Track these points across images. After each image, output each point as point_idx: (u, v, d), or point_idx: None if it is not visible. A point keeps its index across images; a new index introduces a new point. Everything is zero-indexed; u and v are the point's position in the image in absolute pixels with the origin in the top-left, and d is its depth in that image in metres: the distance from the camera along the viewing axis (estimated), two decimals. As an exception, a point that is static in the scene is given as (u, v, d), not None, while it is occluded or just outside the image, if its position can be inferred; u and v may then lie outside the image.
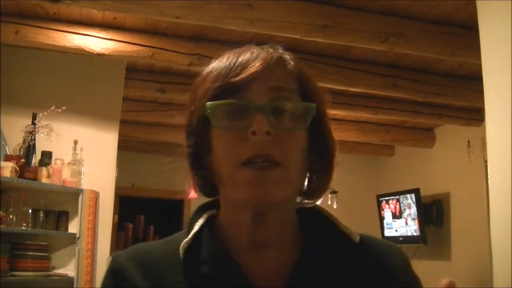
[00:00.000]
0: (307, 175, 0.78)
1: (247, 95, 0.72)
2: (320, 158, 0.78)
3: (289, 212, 0.78)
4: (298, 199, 0.79)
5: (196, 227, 0.77)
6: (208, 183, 0.78)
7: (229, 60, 0.75)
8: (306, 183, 0.78)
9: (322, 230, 0.79)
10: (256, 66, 0.73)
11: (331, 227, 0.79)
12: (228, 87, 0.73)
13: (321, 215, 0.81)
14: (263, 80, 0.73)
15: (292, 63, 0.78)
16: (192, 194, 0.81)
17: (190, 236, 0.76)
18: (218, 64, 0.76)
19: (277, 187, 0.71)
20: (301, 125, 0.74)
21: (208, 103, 0.73)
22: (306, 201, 0.80)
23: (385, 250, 0.81)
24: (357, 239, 0.78)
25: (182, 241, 0.76)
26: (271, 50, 0.77)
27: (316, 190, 0.79)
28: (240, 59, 0.74)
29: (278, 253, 0.75)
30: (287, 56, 0.78)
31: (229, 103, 0.72)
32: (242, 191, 0.71)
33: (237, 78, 0.72)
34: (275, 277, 0.74)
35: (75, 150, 3.62)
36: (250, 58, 0.74)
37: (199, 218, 0.79)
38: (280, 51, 0.78)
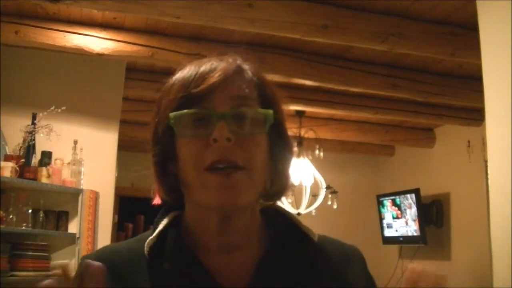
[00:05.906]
0: (269, 178, 0.82)
1: (208, 105, 0.76)
2: (280, 161, 0.82)
3: (253, 213, 0.81)
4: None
5: (161, 226, 0.81)
6: (174, 188, 0.81)
7: (190, 72, 0.79)
8: (268, 185, 0.82)
9: (284, 229, 0.83)
10: (216, 76, 0.76)
11: (292, 227, 0.84)
12: (190, 98, 0.76)
13: (282, 215, 0.85)
14: (223, 90, 0.77)
15: (250, 72, 0.81)
16: (156, 200, 0.84)
17: (155, 234, 0.79)
18: (180, 75, 0.80)
19: (243, 191, 0.74)
20: (261, 130, 0.77)
21: (172, 113, 0.76)
22: (267, 202, 0.84)
23: (344, 251, 0.86)
24: (315, 238, 0.82)
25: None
26: (230, 60, 0.81)
27: (278, 192, 0.83)
28: (201, 70, 0.78)
29: (244, 254, 0.79)
30: (245, 66, 0.82)
31: (191, 113, 0.76)
32: (208, 197, 0.75)
33: (198, 89, 0.76)
34: (240, 276, 0.77)
35: (75, 150, 3.62)
36: (210, 69, 0.78)
37: (164, 218, 0.83)
38: (239, 61, 0.82)
